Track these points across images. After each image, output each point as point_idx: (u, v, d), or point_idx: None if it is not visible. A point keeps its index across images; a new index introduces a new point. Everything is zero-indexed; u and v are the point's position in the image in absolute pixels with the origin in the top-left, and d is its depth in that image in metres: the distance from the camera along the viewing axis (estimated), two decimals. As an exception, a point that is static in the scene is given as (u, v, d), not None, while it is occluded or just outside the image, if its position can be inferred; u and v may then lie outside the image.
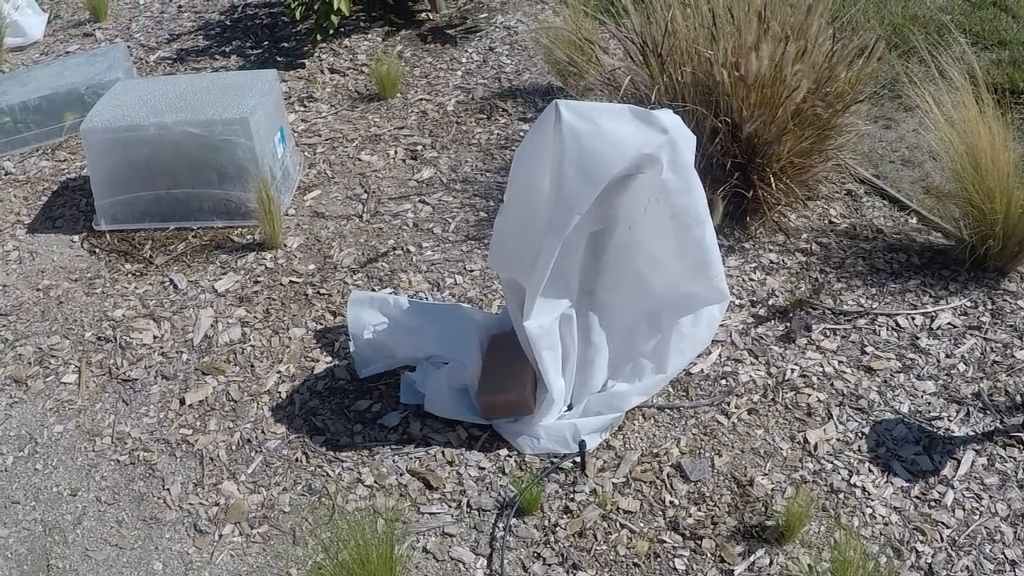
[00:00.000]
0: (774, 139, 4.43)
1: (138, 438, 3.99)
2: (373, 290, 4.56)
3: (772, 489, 3.54)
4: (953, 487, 3.51)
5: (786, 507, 3.37)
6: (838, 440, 3.72)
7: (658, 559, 3.35)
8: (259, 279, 4.73)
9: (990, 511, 3.42)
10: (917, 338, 4.13)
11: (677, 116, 3.43)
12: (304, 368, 4.22)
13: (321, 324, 4.43)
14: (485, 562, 3.39)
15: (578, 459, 3.68)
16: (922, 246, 4.60)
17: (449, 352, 3.96)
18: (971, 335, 4.13)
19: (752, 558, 3.31)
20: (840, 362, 4.04)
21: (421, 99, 6.18)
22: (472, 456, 3.76)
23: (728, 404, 3.90)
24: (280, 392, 4.12)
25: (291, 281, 4.70)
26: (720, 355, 4.12)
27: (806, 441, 3.72)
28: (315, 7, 6.63)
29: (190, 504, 3.70)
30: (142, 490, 3.77)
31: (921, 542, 3.33)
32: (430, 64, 6.60)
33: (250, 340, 4.39)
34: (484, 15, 7.21)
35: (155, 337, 4.46)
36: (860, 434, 3.73)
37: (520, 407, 3.75)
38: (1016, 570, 3.25)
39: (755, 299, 4.38)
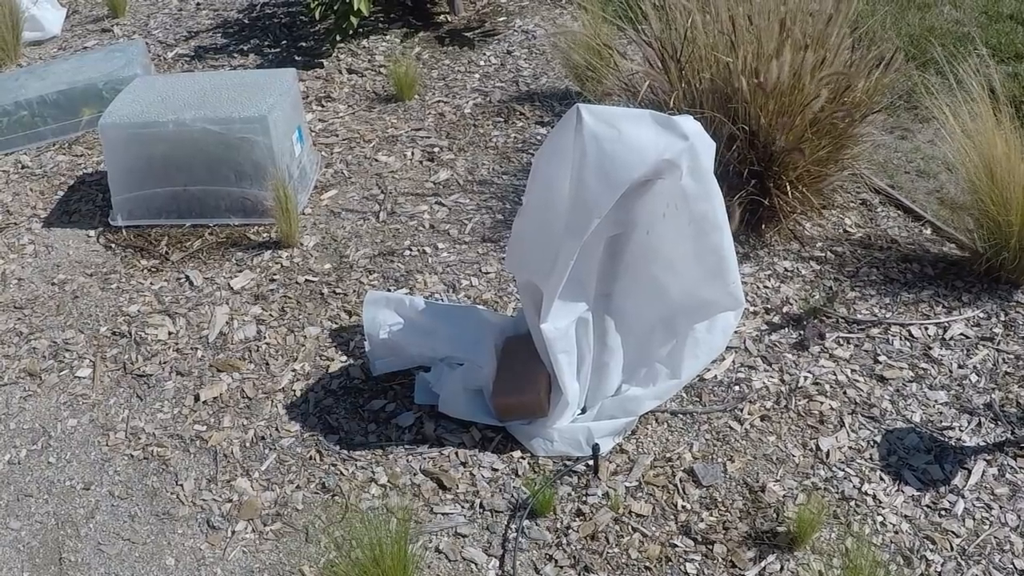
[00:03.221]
0: (792, 147, 4.43)
1: (152, 433, 4.00)
2: (389, 290, 4.58)
3: (784, 495, 3.55)
4: (964, 497, 3.52)
5: (797, 514, 3.38)
6: (850, 448, 3.73)
7: (669, 563, 3.36)
8: (275, 277, 4.75)
9: (1000, 521, 3.43)
10: (930, 348, 4.13)
11: (697, 122, 3.44)
12: (319, 367, 4.23)
13: (336, 323, 4.44)
14: (497, 563, 3.41)
15: (591, 462, 3.69)
16: (936, 257, 4.61)
17: (464, 353, 3.97)
18: (983, 346, 4.13)
19: (763, 563, 3.32)
20: (853, 370, 4.05)
21: (438, 101, 6.20)
22: (486, 457, 3.77)
23: (741, 410, 3.91)
24: (295, 390, 4.13)
25: (307, 280, 4.71)
26: (734, 361, 4.13)
27: (818, 448, 3.73)
28: (335, 7, 6.65)
29: (203, 500, 3.71)
30: (155, 485, 3.79)
31: (931, 551, 3.34)
32: (448, 66, 6.62)
33: (265, 338, 4.41)
34: (502, 18, 7.22)
35: (170, 333, 4.48)
36: (872, 442, 3.74)
37: (534, 409, 3.76)
38: (1026, 581, 3.27)
39: (769, 306, 4.39)
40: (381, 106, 6.20)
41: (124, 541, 3.58)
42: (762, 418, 3.87)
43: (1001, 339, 4.16)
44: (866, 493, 3.55)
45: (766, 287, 4.49)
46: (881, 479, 3.60)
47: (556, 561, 3.39)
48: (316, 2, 6.64)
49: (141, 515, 3.67)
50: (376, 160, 5.63)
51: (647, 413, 3.87)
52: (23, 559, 3.54)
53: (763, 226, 4.77)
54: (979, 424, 3.80)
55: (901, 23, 6.59)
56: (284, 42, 7.13)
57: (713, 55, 4.64)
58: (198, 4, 7.94)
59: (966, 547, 3.35)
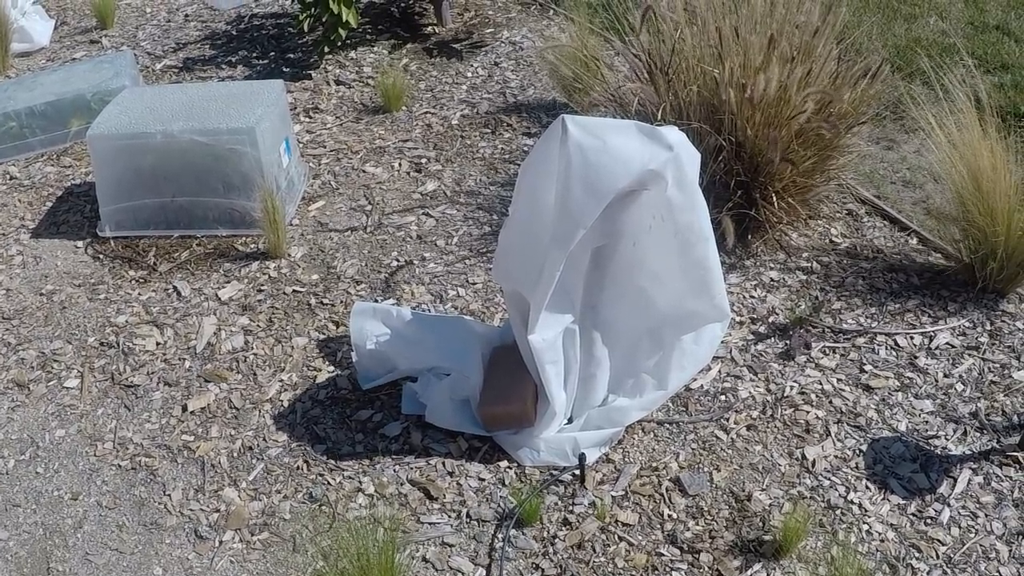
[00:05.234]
0: (783, 159, 4.45)
1: (140, 443, 4.01)
2: (376, 301, 4.58)
3: (770, 504, 3.56)
4: (949, 505, 3.53)
5: (783, 522, 3.39)
6: (836, 457, 3.74)
7: (656, 572, 3.37)
8: (262, 288, 4.75)
9: (986, 529, 3.44)
10: (915, 357, 4.15)
11: (682, 133, 3.45)
12: (306, 377, 4.24)
13: (324, 334, 4.45)
14: (484, 572, 3.41)
15: (578, 472, 3.70)
16: (922, 266, 4.63)
17: (451, 364, 3.98)
18: (969, 355, 4.15)
19: (749, 572, 3.33)
20: (839, 380, 4.07)
21: (426, 112, 6.21)
22: (472, 467, 3.78)
23: (727, 420, 3.92)
24: (282, 400, 4.14)
25: (294, 291, 4.72)
26: (720, 371, 4.14)
27: (804, 457, 3.74)
28: (323, 19, 6.66)
29: (191, 510, 3.71)
30: (143, 495, 3.79)
31: (917, 559, 3.35)
32: (435, 78, 6.63)
33: (253, 348, 4.41)
34: (490, 30, 7.23)
35: (158, 344, 4.48)
36: (858, 451, 3.75)
37: (521, 419, 3.77)
38: (1011, 589, 3.29)
39: (755, 316, 4.40)
40: (369, 117, 6.21)
41: (112, 551, 3.58)
42: (748, 427, 3.88)
43: (987, 348, 4.17)
44: (852, 502, 3.56)
45: (752, 297, 4.51)
46: (867, 488, 3.61)
47: (543, 570, 3.39)
48: (304, 14, 6.65)
49: (129, 525, 3.67)
50: (364, 171, 5.64)
51: (633, 423, 3.88)
52: (11, 569, 3.53)
53: (749, 236, 4.78)
54: (965, 433, 3.81)
55: (887, 34, 6.62)
56: (272, 54, 7.13)
57: (700, 67, 4.65)
58: (186, 16, 7.94)
59: (952, 555, 3.37)
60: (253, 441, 3.97)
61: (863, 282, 4.56)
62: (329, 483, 3.76)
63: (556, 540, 3.49)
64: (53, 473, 3.91)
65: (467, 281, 4.71)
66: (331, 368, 4.27)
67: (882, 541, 3.42)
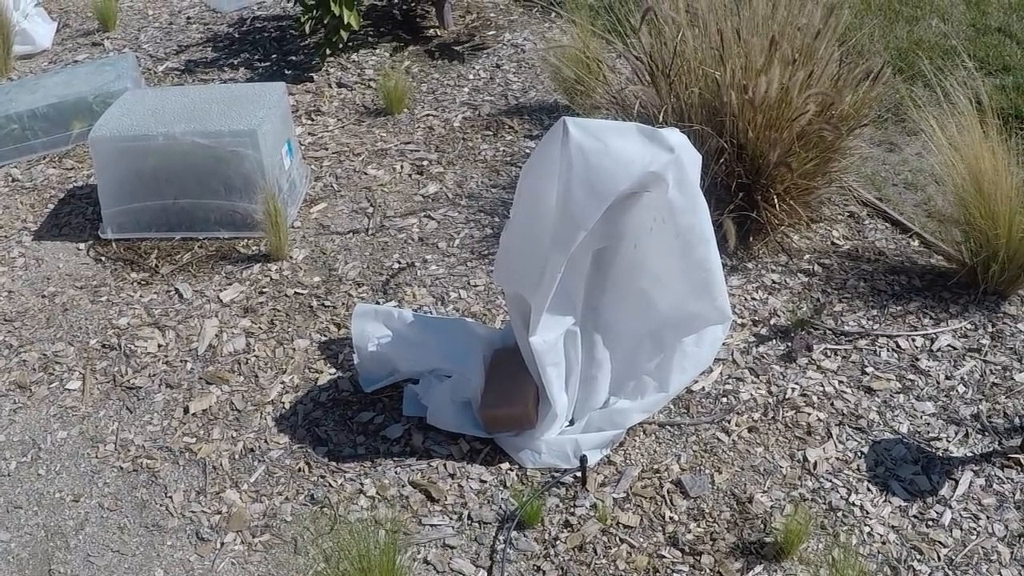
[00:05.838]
0: (780, 161, 4.45)
1: (141, 445, 4.00)
2: (377, 303, 4.58)
3: (771, 506, 3.56)
4: (951, 507, 3.53)
5: (785, 524, 3.39)
6: (837, 459, 3.74)
7: (657, 574, 3.37)
8: (264, 290, 4.75)
9: (987, 531, 3.44)
10: (917, 359, 4.15)
11: (683, 135, 3.45)
12: (308, 379, 4.24)
13: (325, 336, 4.45)
14: (485, 574, 3.41)
15: (579, 474, 3.70)
16: (923, 269, 4.63)
17: (452, 366, 3.98)
18: (971, 357, 4.15)
19: (750, 574, 3.33)
20: (840, 382, 4.06)
21: (428, 115, 6.21)
22: (474, 469, 3.78)
23: (729, 422, 3.92)
24: (284, 402, 4.14)
25: (296, 293, 4.72)
26: (721, 373, 4.14)
27: (805, 459, 3.74)
28: (325, 21, 6.66)
29: (192, 512, 3.71)
30: (144, 497, 3.79)
31: (918, 561, 3.35)
32: (437, 80, 6.63)
33: (254, 350, 4.41)
34: (492, 32, 7.23)
35: (160, 346, 4.48)
36: (859, 453, 3.75)
37: (522, 421, 3.77)
38: (1012, 591, 3.29)
39: (757, 318, 4.40)
40: (371, 120, 6.21)
41: (113, 553, 3.58)
42: (750, 429, 3.88)
43: (988, 350, 4.17)
44: (853, 504, 3.56)
45: (754, 299, 4.51)
46: (868, 490, 3.61)
47: (544, 572, 3.39)
48: (306, 16, 6.65)
49: (130, 527, 3.67)
50: (365, 173, 5.64)
51: (635, 425, 3.88)
52: (12, 571, 3.53)
53: (751, 239, 4.78)
54: (966, 435, 3.81)
55: (889, 36, 6.62)
56: (274, 56, 7.13)
57: (701, 69, 4.65)
58: (188, 18, 7.94)
59: (953, 557, 3.37)
60: (254, 443, 3.97)
61: (865, 284, 4.56)
62: (330, 485, 3.76)
63: (557, 542, 3.49)
64: (55, 475, 3.91)
65: (468, 283, 4.71)
66: (332, 370, 4.27)
67: (883, 543, 3.42)
